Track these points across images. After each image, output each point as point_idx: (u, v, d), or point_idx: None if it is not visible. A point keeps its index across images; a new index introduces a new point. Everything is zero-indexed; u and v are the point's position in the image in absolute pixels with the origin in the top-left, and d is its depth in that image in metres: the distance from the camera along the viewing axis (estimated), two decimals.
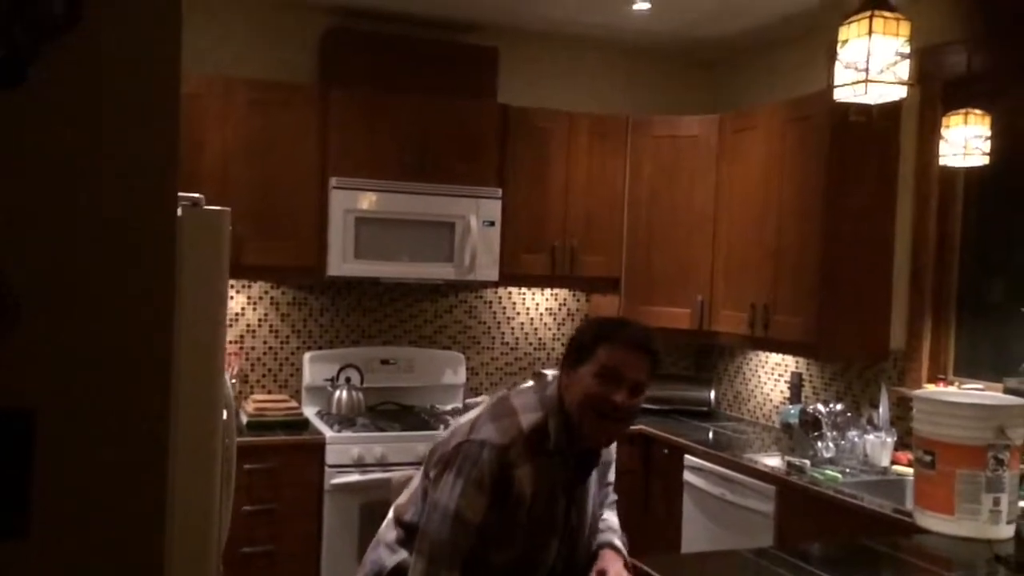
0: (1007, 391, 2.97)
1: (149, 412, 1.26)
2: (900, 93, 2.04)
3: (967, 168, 3.10)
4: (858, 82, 1.96)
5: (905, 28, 2.00)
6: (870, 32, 1.95)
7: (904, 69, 2.01)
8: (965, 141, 2.86)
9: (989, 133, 2.86)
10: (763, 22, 4.02)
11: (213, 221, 1.70)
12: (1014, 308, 3.20)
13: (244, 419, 3.68)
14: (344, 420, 3.81)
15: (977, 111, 2.86)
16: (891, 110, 3.40)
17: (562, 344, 4.62)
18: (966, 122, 2.84)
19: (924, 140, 3.48)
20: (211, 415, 1.72)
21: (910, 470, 3.20)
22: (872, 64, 1.93)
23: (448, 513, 1.81)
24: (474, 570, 1.84)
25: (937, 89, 3.37)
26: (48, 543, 1.17)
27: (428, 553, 1.84)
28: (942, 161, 2.96)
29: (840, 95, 2.07)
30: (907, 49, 2.01)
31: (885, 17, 1.97)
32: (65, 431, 1.18)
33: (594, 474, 2.02)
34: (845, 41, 2.00)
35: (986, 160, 2.89)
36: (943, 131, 2.91)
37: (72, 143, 1.16)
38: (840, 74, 2.03)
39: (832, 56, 3.22)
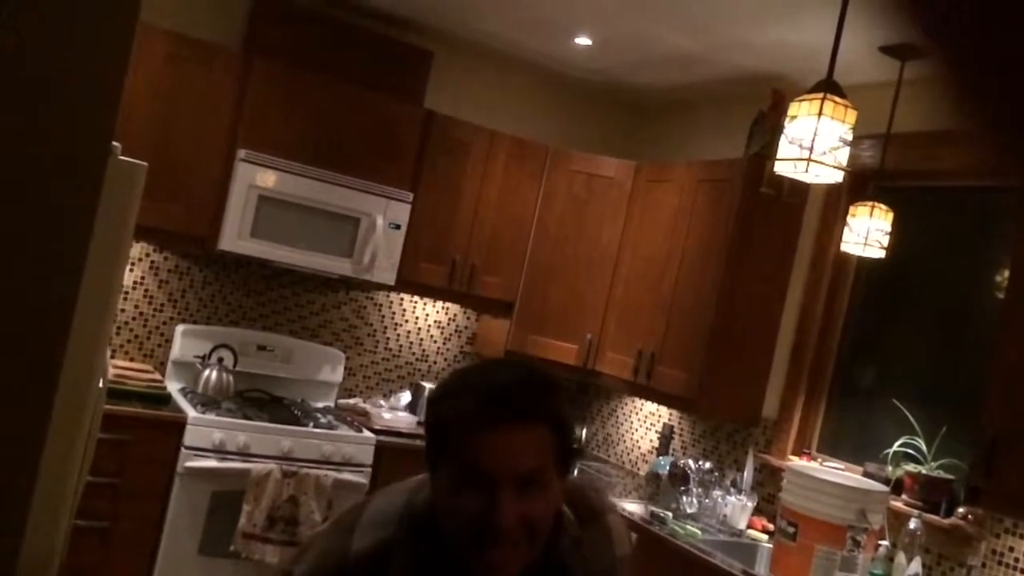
0: (866, 474, 3.10)
1: (46, 353, 1.14)
2: (836, 177, 2.11)
3: (862, 258, 3.24)
4: (800, 159, 2.02)
5: (852, 116, 2.07)
6: (820, 113, 2.01)
7: (844, 155, 2.08)
8: (867, 232, 2.99)
9: (889, 229, 3.00)
10: (696, 80, 4.12)
11: (129, 174, 1.58)
12: (882, 396, 3.36)
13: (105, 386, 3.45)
14: (209, 401, 3.63)
15: (882, 206, 2.99)
16: (801, 188, 3.54)
17: (444, 360, 4.56)
18: (871, 215, 2.97)
19: (826, 223, 3.63)
20: (91, 377, 1.59)
21: (763, 536, 3.31)
22: (817, 144, 1.99)
23: None
24: None
25: (846, 178, 3.52)
26: None
27: None
28: (842, 247, 3.09)
29: (781, 168, 2.12)
30: (850, 137, 2.08)
31: (836, 102, 2.04)
32: None
33: None
34: (794, 116, 2.06)
35: (882, 254, 3.02)
36: (849, 219, 3.04)
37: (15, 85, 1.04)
38: (784, 148, 2.08)
39: (765, 127, 3.33)
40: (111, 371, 3.53)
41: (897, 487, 3.03)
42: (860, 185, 3.51)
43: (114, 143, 1.57)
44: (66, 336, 1.13)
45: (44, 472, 1.37)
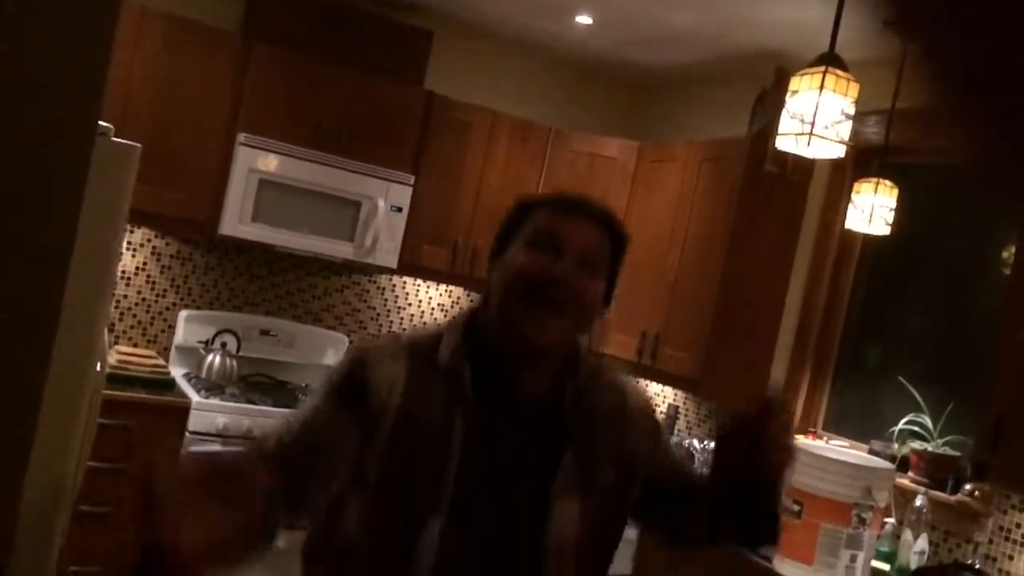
0: (871, 452, 3.09)
1: (35, 341, 1.12)
2: (839, 152, 2.08)
3: (867, 235, 3.21)
4: (802, 134, 1.99)
5: (854, 90, 2.04)
6: (821, 87, 1.98)
7: (846, 129, 2.05)
8: (872, 208, 2.96)
9: (894, 205, 2.97)
10: (698, 58, 4.08)
11: (122, 156, 1.56)
12: (887, 374, 3.34)
13: (105, 370, 3.45)
14: (213, 386, 3.63)
15: (887, 182, 2.96)
16: (805, 166, 3.50)
17: None
18: (876, 191, 2.94)
19: (831, 201, 3.60)
20: (87, 361, 1.58)
21: None
22: (819, 119, 1.96)
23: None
24: (325, 540, 1.31)
25: (850, 154, 3.49)
26: None
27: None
28: (847, 224, 3.06)
29: (782, 143, 2.09)
30: (852, 111, 2.06)
31: (838, 75, 2.01)
32: None
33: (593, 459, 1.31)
34: (795, 91, 2.03)
35: (887, 230, 3.00)
36: (853, 196, 3.01)
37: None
38: (785, 123, 2.06)
39: (768, 105, 3.29)
40: (114, 357, 3.53)
41: (903, 464, 3.02)
42: (865, 162, 3.47)
43: (106, 124, 1.55)
44: (55, 319, 1.11)
45: (38, 457, 1.36)
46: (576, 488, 1.28)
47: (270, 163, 3.64)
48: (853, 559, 2.45)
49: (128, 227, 3.81)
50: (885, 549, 2.82)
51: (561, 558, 1.26)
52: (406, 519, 1.23)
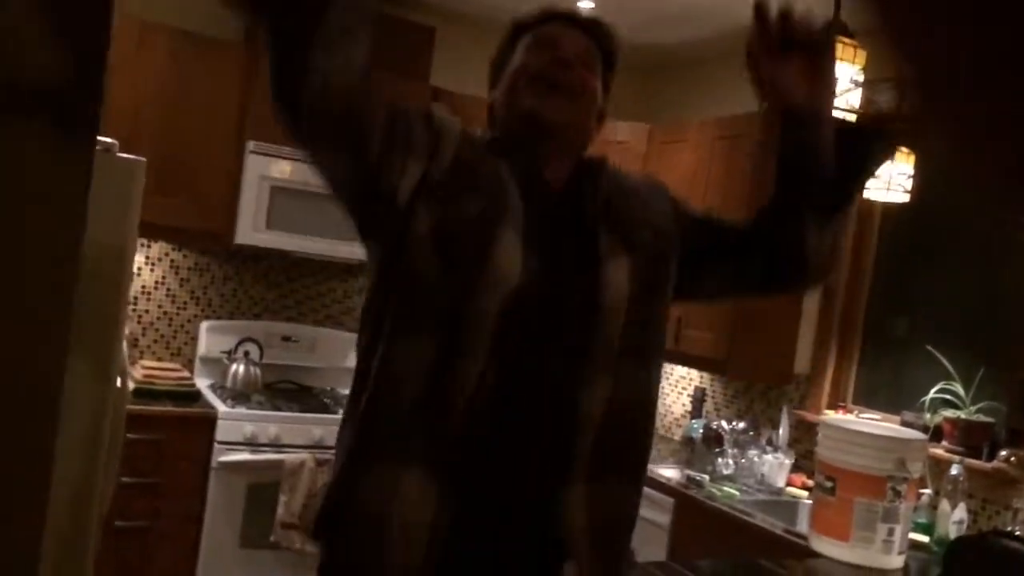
0: (904, 424, 3.05)
1: (43, 367, 1.12)
2: (850, 120, 2.05)
3: (885, 204, 3.17)
4: None
5: (862, 57, 2.01)
6: None
7: (856, 98, 2.02)
8: (889, 176, 2.91)
9: (912, 172, 2.92)
10: (702, 35, 4.04)
11: (127, 171, 1.56)
12: (915, 344, 3.29)
13: (131, 386, 3.47)
14: (239, 395, 3.64)
15: (903, 148, 2.91)
16: None
17: None
18: (892, 159, 2.89)
19: None
20: (105, 380, 1.58)
21: (803, 492, 3.27)
22: None
23: None
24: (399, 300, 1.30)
25: (867, 121, 3.44)
26: None
27: None
28: (865, 194, 3.01)
29: None
30: (861, 78, 2.02)
31: (844, 43, 1.97)
32: None
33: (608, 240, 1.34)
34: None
35: (906, 198, 2.95)
36: None
37: None
38: None
39: None
40: (140, 372, 3.55)
41: (936, 434, 2.98)
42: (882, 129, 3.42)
43: (109, 140, 1.55)
44: (64, 340, 1.10)
45: (62, 478, 1.36)
46: (621, 248, 1.34)
47: (280, 169, 3.64)
48: (890, 533, 2.42)
49: (145, 241, 3.83)
50: (923, 521, 2.78)
51: (613, 315, 1.30)
52: (477, 240, 1.27)
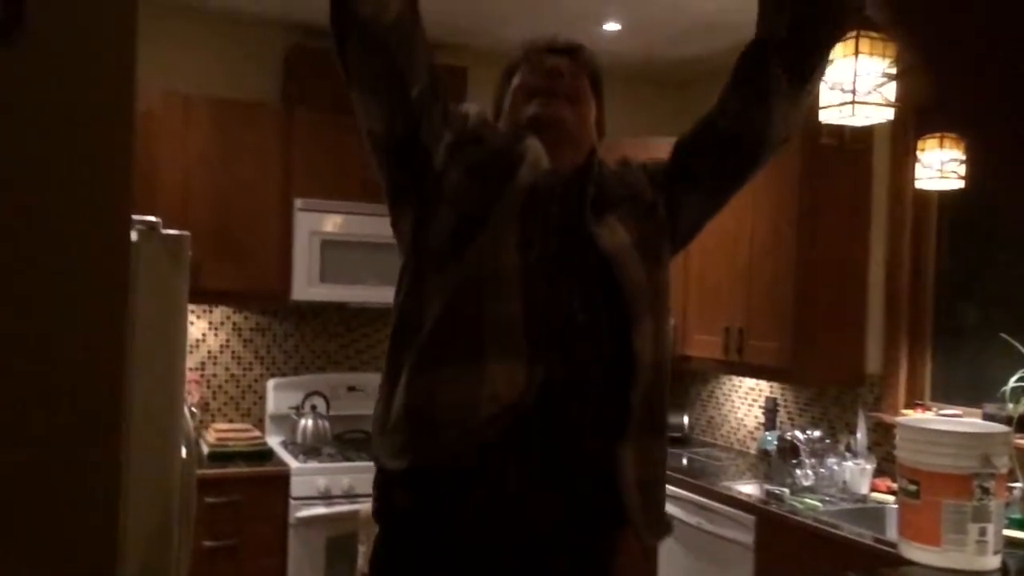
0: (986, 417, 2.94)
1: (100, 451, 1.15)
2: (887, 115, 2.00)
3: (941, 192, 3.08)
4: (845, 103, 1.92)
5: (891, 49, 1.96)
6: (856, 52, 1.91)
7: (891, 90, 1.97)
8: (940, 164, 2.83)
9: (964, 157, 2.84)
10: (734, 44, 3.98)
11: (172, 246, 1.60)
12: (989, 332, 3.18)
13: (205, 450, 3.54)
14: (310, 450, 3.68)
15: (952, 135, 2.84)
16: (863, 133, 3.38)
17: None
18: (941, 146, 2.82)
19: (897, 163, 3.46)
20: (168, 452, 1.60)
21: (890, 498, 3.16)
22: (859, 85, 1.89)
23: None
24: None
25: (910, 112, 3.36)
26: None
27: None
28: (917, 184, 2.94)
29: (826, 116, 2.02)
30: (893, 70, 1.97)
31: (871, 37, 1.94)
32: (8, 471, 1.06)
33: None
34: (831, 61, 1.96)
35: (961, 184, 2.86)
36: (919, 154, 2.89)
37: (10, 159, 1.05)
38: (825, 95, 1.99)
39: None
40: (213, 435, 3.62)
41: (1021, 424, 2.85)
42: (926, 118, 3.33)
43: (152, 218, 1.59)
44: (118, 424, 1.13)
45: (134, 552, 1.38)
46: (612, 217, 1.47)
47: (329, 223, 3.70)
48: (983, 533, 2.32)
49: (207, 307, 3.92)
50: (1016, 516, 2.66)
51: (622, 260, 1.43)
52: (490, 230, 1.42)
